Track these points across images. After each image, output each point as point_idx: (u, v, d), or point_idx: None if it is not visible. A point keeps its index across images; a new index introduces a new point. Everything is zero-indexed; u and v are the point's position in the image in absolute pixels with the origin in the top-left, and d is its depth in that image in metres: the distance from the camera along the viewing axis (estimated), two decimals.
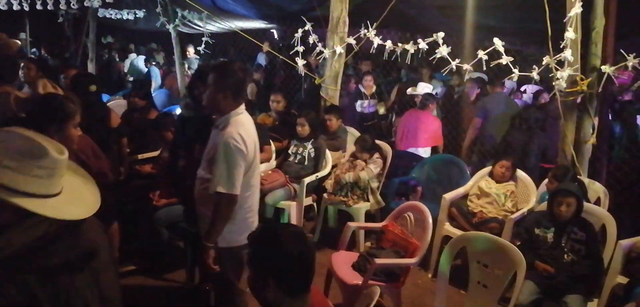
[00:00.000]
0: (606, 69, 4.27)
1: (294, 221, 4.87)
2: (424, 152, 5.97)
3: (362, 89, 7.37)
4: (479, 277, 3.38)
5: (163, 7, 8.34)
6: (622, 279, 3.61)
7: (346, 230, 3.97)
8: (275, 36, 11.59)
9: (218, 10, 8.27)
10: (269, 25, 10.27)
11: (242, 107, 2.84)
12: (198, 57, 10.29)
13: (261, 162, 5.07)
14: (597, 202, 4.35)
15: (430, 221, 3.68)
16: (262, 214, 4.81)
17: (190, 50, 10.65)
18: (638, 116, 6.23)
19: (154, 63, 10.69)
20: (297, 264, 1.77)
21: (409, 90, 7.26)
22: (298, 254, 1.76)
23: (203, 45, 7.58)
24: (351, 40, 5.87)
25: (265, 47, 9.91)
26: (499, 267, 3.32)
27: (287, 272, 1.76)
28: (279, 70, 9.04)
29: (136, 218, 4.37)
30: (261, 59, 10.61)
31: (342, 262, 3.74)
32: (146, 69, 10.32)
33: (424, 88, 7.06)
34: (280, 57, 7.66)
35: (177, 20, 8.43)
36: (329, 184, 5.06)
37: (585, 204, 3.85)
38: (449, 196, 4.64)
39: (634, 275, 3.53)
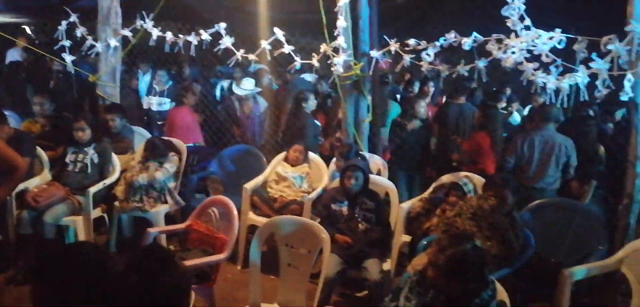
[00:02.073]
0: (374, 53, 4.79)
1: (82, 238, 4.31)
2: None
3: (155, 86, 6.93)
4: (289, 259, 3.47)
5: None
6: (406, 238, 4.12)
7: (145, 237, 3.68)
8: (28, 32, 9.96)
9: None
10: (20, 19, 8.91)
11: None
12: None
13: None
14: (379, 173, 4.88)
15: (236, 212, 3.63)
16: (41, 235, 4.17)
17: None
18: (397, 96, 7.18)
19: None
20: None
21: (235, 88, 6.76)
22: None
23: None
24: (126, 32, 5.47)
25: (21, 42, 8.48)
26: (306, 247, 3.45)
27: None
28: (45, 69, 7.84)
29: None
30: (14, 55, 9.04)
31: None
32: None
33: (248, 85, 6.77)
34: (43, 54, 6.71)
35: None
36: (119, 190, 4.60)
37: (371, 176, 4.28)
38: (249, 185, 4.67)
39: (414, 233, 4.06)
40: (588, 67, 3.18)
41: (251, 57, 4.89)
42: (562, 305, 3.36)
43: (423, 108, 5.76)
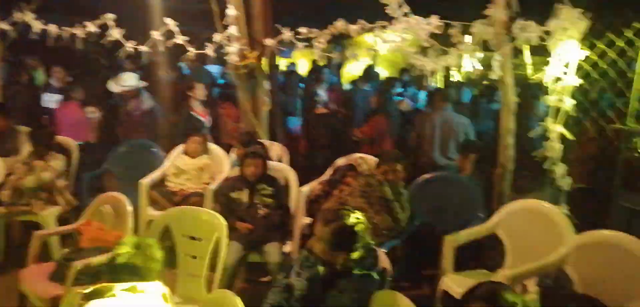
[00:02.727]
0: (268, 42, 4.86)
1: None
2: None
3: (53, 82, 6.51)
4: (187, 250, 3.47)
5: None
6: (307, 220, 4.25)
7: (34, 240, 3.52)
8: None
9: None
10: None
11: None
12: None
13: None
14: (280, 160, 4.98)
15: (129, 208, 3.57)
16: None
17: None
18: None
19: None
20: None
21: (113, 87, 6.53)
22: None
23: None
24: (5, 26, 5.12)
25: None
26: (203, 236, 3.47)
27: None
28: None
29: None
30: None
31: (36, 277, 3.31)
32: None
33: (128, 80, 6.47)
34: None
35: None
36: (4, 195, 4.32)
37: (270, 162, 4.37)
38: (146, 180, 4.57)
39: (314, 215, 4.20)
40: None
41: (141, 49, 4.78)
42: (447, 267, 3.65)
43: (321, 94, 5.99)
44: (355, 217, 2.47)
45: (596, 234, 3.11)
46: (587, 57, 3.30)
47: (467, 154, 4.42)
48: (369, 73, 6.90)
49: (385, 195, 3.69)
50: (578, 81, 3.25)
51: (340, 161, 4.72)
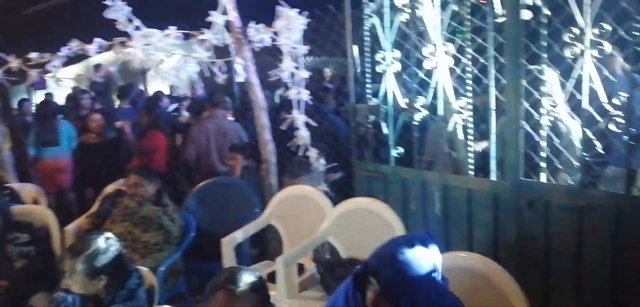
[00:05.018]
0: None
1: None
2: None
3: None
4: None
5: None
6: None
7: None
8: None
9: None
10: None
11: None
12: None
13: None
14: (35, 202, 4.47)
15: None
16: None
17: None
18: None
19: None
20: None
21: None
22: None
23: None
24: None
25: None
26: None
27: None
28: None
29: None
30: None
31: None
32: None
33: None
34: None
35: None
36: None
37: (22, 207, 3.91)
38: None
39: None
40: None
41: None
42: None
43: (94, 121, 5.62)
44: (105, 240, 2.37)
45: (347, 203, 3.52)
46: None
47: (234, 155, 4.57)
48: (125, 91, 6.62)
49: (146, 214, 3.62)
50: (308, 73, 3.67)
51: (109, 188, 4.46)
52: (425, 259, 1.68)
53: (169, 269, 3.69)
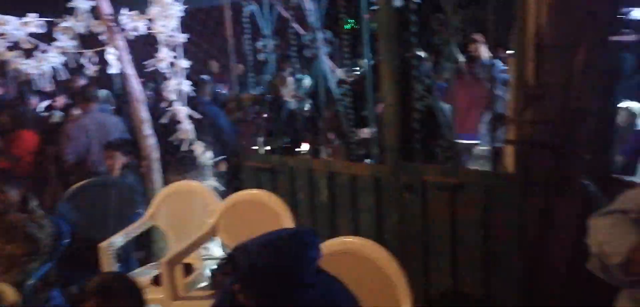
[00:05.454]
0: None
1: None
2: None
3: None
4: None
5: None
6: None
7: None
8: None
9: None
10: None
11: None
12: None
13: None
14: None
15: None
16: None
17: None
18: None
19: None
20: None
21: None
22: None
23: None
24: None
25: None
26: None
27: None
28: None
29: None
30: None
31: None
32: None
33: None
34: None
35: None
36: None
37: None
38: None
39: None
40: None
41: None
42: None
43: None
44: None
45: (234, 197, 3.42)
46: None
47: (110, 152, 4.26)
48: None
49: (13, 220, 3.26)
50: (188, 63, 3.50)
51: None
52: (286, 249, 1.64)
53: (40, 281, 3.37)
